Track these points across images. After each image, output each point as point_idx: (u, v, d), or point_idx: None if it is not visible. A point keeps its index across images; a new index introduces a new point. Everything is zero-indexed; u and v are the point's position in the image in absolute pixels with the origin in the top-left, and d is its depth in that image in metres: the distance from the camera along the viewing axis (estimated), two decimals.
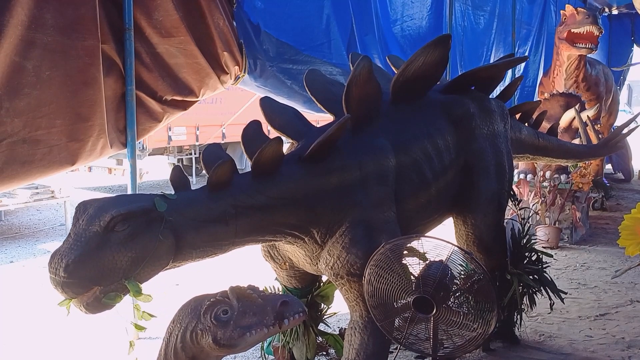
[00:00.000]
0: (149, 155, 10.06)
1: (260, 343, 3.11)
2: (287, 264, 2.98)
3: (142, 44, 3.56)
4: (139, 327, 2.36)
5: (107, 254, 2.09)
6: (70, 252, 2.07)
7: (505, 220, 3.56)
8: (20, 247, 6.62)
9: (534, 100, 7.46)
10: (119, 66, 3.46)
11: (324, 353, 3.43)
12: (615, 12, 11.89)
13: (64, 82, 3.11)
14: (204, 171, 2.56)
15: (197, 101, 3.94)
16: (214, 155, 2.61)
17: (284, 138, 2.69)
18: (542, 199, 6.30)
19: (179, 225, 2.24)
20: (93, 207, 2.15)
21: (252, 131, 2.76)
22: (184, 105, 3.87)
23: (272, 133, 2.80)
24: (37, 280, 5.28)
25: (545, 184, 6.37)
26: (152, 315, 2.33)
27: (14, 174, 3.01)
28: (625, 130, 5.31)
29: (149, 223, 2.16)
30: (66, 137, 3.19)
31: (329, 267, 2.65)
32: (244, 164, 10.02)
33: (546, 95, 7.17)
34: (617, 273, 2.19)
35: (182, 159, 10.80)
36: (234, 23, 4.03)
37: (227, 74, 3.97)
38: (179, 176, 2.45)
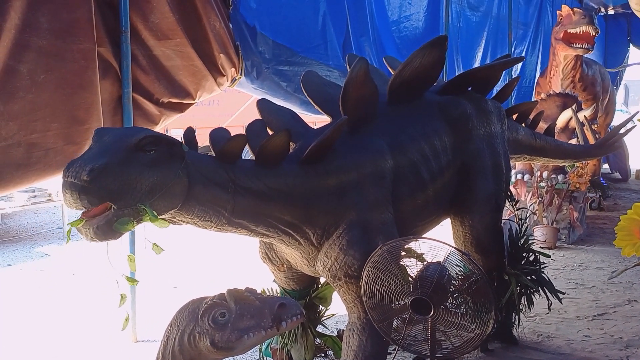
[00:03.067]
0: None
1: (259, 345, 3.11)
2: (284, 265, 2.98)
3: (138, 46, 3.56)
4: (131, 280, 2.32)
5: (132, 171, 2.06)
6: (96, 159, 2.01)
7: (503, 221, 3.56)
8: (17, 251, 6.61)
9: (531, 100, 7.49)
10: (115, 69, 3.45)
11: (323, 355, 3.43)
12: (611, 12, 11.93)
13: (60, 85, 3.11)
14: (211, 147, 2.56)
15: (193, 103, 3.94)
16: (222, 136, 2.60)
17: None
18: (540, 199, 6.30)
19: (192, 173, 2.25)
20: (118, 129, 2.18)
21: (256, 127, 2.77)
22: (180, 108, 3.87)
23: None
24: (35, 283, 5.27)
25: (543, 184, 6.37)
26: (162, 249, 2.28)
27: (10, 177, 3.00)
28: (622, 130, 5.31)
29: (172, 156, 2.18)
30: (62, 140, 3.19)
31: (327, 269, 2.65)
32: None
33: (543, 95, 7.18)
34: (614, 274, 2.20)
35: None
36: (230, 25, 4.03)
37: (224, 76, 3.97)
38: (191, 137, 2.46)
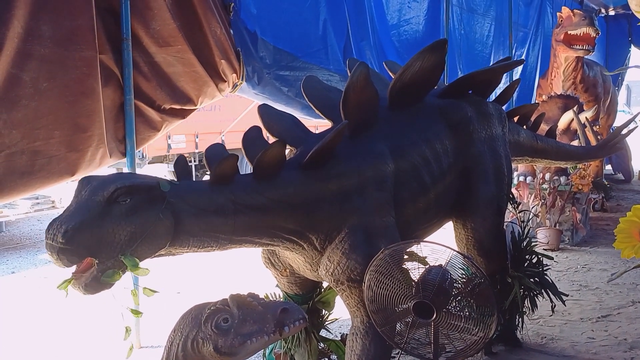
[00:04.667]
0: (148, 163, 10.06)
1: (262, 350, 3.11)
2: (287, 270, 2.98)
3: (140, 53, 3.58)
4: (136, 313, 2.35)
5: (107, 224, 2.08)
6: (70, 219, 2.06)
7: (505, 224, 3.56)
8: (21, 258, 6.62)
9: (532, 102, 7.49)
10: (117, 76, 3.47)
11: (326, 359, 3.43)
12: (612, 12, 11.92)
13: (62, 93, 3.13)
14: (207, 167, 2.57)
15: (195, 109, 3.96)
16: (217, 154, 2.62)
17: None
18: (542, 201, 6.29)
19: (180, 209, 2.24)
20: (97, 180, 2.16)
21: (252, 136, 2.78)
22: (182, 114, 3.89)
23: (271, 140, 2.80)
24: (39, 290, 5.28)
25: (545, 186, 6.37)
26: (154, 291, 2.31)
27: (14, 185, 3.02)
28: (624, 131, 5.31)
29: (151, 200, 2.17)
30: (65, 147, 3.20)
31: (329, 273, 2.66)
32: (244, 169, 10.03)
33: (544, 97, 7.18)
34: (613, 277, 2.20)
35: None
36: (231, 31, 4.05)
37: (225, 81, 3.98)
38: (183, 166, 2.48)
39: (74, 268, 2.13)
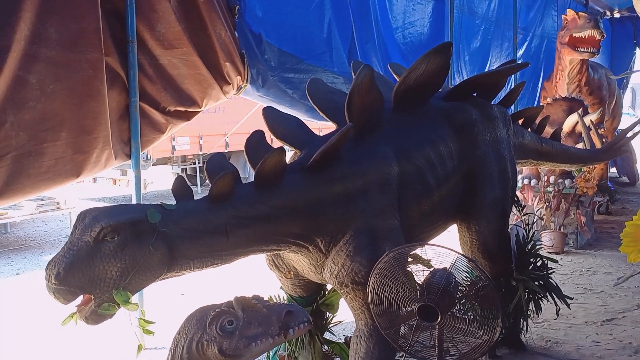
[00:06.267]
0: (153, 165, 10.09)
1: (266, 352, 3.11)
2: (291, 272, 2.98)
3: (145, 55, 3.59)
4: (147, 332, 2.38)
5: (97, 263, 2.13)
6: (62, 261, 2.12)
7: (510, 226, 3.55)
8: (26, 259, 6.65)
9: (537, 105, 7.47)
10: (122, 78, 3.49)
11: None
12: (617, 15, 11.89)
13: (68, 95, 3.14)
14: (208, 180, 2.57)
15: (200, 111, 3.97)
16: (217, 166, 2.63)
17: (286, 147, 2.70)
18: (547, 204, 6.28)
19: (175, 236, 2.25)
20: (89, 216, 2.19)
21: (255, 141, 2.78)
22: (187, 116, 3.90)
23: (276, 142, 2.81)
24: (44, 291, 5.29)
25: (550, 188, 6.35)
26: (149, 322, 2.36)
27: (20, 186, 3.03)
28: (629, 134, 5.29)
29: (138, 234, 2.18)
30: (71, 149, 3.22)
31: (334, 276, 2.66)
32: (248, 173, 10.04)
33: (549, 100, 7.16)
34: (619, 281, 2.19)
35: (186, 168, 10.83)
36: (236, 33, 4.06)
37: (230, 84, 3.99)
38: (180, 187, 2.48)
39: (78, 300, 2.20)
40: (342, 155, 2.66)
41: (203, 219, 2.34)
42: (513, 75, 7.21)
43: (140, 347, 2.48)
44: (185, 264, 2.31)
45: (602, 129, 7.61)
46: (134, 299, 2.28)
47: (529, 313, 3.54)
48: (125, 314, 2.28)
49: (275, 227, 2.49)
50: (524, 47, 8.44)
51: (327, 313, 3.23)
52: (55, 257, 2.16)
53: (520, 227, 3.71)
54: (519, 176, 6.53)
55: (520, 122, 4.11)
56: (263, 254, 2.61)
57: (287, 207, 2.49)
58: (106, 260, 2.13)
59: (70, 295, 2.13)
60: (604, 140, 6.08)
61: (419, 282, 2.54)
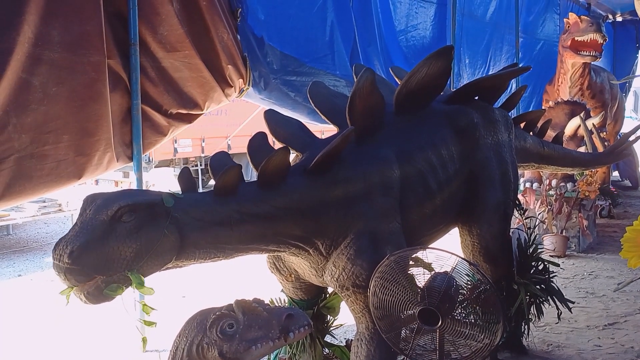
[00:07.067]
0: (155, 167, 10.10)
1: (267, 355, 3.11)
2: (292, 275, 2.98)
3: (147, 58, 3.60)
4: (149, 323, 2.37)
5: (112, 243, 2.09)
6: (75, 239, 2.07)
7: (511, 230, 3.55)
8: (28, 261, 6.66)
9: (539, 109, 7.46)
10: (124, 81, 3.50)
11: None
12: (619, 19, 11.88)
13: (71, 97, 3.15)
14: (210, 182, 2.57)
15: (202, 114, 3.98)
16: (221, 163, 2.63)
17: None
18: (549, 207, 6.27)
19: (185, 223, 2.25)
20: (101, 198, 2.17)
21: (257, 143, 2.78)
22: (189, 119, 3.91)
23: (277, 145, 2.81)
24: (46, 293, 5.30)
25: (552, 192, 6.35)
26: (152, 308, 2.34)
27: (22, 188, 3.04)
28: (631, 138, 5.28)
29: (155, 217, 2.18)
30: (73, 151, 3.23)
31: (334, 279, 2.66)
32: (250, 175, 10.04)
33: (551, 103, 7.16)
34: (620, 286, 2.19)
35: None
36: (238, 36, 4.07)
37: (232, 87, 4.00)
38: (187, 178, 2.48)
39: None
40: (344, 158, 2.66)
41: (210, 209, 2.34)
42: (515, 79, 7.19)
43: (144, 340, 2.45)
44: (192, 252, 2.30)
45: (604, 133, 7.61)
46: (138, 308, 2.28)
47: (530, 317, 3.54)
48: (124, 311, 2.24)
49: (276, 226, 2.49)
50: (525, 50, 8.43)
51: (328, 316, 3.23)
52: (65, 236, 2.11)
53: (522, 230, 3.71)
54: (521, 179, 6.52)
55: (522, 125, 4.11)
56: (263, 253, 2.60)
57: (288, 207, 2.50)
58: (122, 241, 2.10)
59: (81, 276, 2.08)
60: (606, 144, 6.06)
61: (420, 285, 2.53)
